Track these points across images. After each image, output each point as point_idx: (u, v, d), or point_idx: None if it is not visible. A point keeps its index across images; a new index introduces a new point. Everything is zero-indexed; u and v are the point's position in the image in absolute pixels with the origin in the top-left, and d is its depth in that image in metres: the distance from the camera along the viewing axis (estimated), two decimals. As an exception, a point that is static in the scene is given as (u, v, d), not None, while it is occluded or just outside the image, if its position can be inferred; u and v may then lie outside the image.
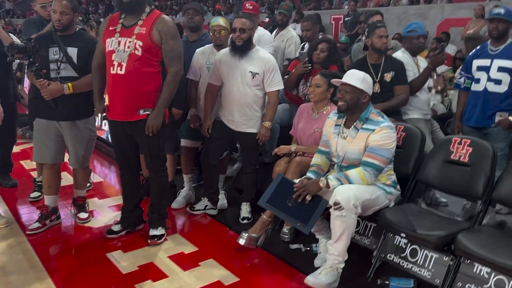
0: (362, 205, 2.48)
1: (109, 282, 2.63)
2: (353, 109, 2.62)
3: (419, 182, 2.87)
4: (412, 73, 3.47)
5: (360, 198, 2.46)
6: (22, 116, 5.93)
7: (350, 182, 2.54)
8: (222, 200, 3.68)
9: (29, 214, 3.51)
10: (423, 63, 3.58)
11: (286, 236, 3.14)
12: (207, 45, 3.59)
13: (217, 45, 3.50)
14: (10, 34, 4.51)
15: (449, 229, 2.41)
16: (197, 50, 3.59)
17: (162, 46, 2.85)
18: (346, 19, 9.96)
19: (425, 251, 2.49)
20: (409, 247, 2.56)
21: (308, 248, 3.01)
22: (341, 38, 8.95)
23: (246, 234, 2.99)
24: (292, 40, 4.53)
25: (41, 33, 3.17)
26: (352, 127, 2.65)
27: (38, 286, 2.55)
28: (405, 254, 2.58)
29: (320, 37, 4.01)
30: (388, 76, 3.37)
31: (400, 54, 3.53)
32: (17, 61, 4.27)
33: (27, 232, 3.16)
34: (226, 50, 3.35)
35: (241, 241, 2.98)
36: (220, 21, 3.51)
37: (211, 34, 3.54)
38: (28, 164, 4.67)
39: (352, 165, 2.64)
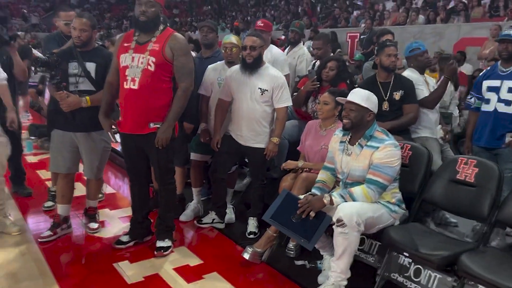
0: (365, 222, 2.49)
1: (114, 291, 2.69)
2: (357, 127, 2.65)
3: (425, 201, 2.86)
4: (424, 90, 3.48)
5: (363, 216, 2.47)
6: (41, 127, 6.14)
7: (353, 199, 2.56)
8: (230, 214, 3.72)
9: (41, 222, 3.61)
10: (431, 81, 3.60)
11: (292, 252, 3.15)
12: (219, 62, 3.69)
13: (229, 62, 3.59)
14: (34, 49, 4.70)
15: (452, 249, 2.39)
16: (209, 66, 3.69)
17: (173, 63, 2.95)
18: (361, 37, 10.04)
19: (429, 271, 2.47)
20: (413, 266, 2.54)
21: (313, 265, 3.01)
22: (355, 56, 9.01)
23: (251, 249, 3.02)
24: (303, 57, 4.60)
25: (63, 49, 3.31)
26: (356, 144, 2.67)
27: (46, 293, 2.63)
28: (408, 273, 2.56)
29: (337, 54, 4.07)
30: (397, 95, 3.39)
31: (409, 73, 3.55)
32: (40, 74, 4.43)
33: (39, 240, 3.25)
34: (236, 67, 3.44)
35: (246, 256, 3.01)
36: (232, 39, 3.60)
37: (223, 51, 3.64)
38: (44, 174, 4.80)
39: (357, 182, 2.66)
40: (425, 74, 3.64)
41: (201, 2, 23.63)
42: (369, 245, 2.89)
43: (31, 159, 5.58)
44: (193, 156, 3.75)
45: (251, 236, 3.41)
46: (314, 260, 3.01)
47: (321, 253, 2.89)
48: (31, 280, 2.76)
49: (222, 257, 3.15)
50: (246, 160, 4.04)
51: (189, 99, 3.05)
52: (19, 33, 9.77)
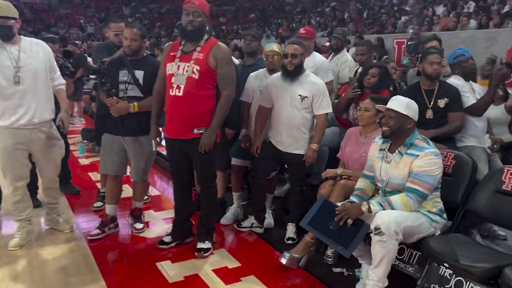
0: (404, 231, 2.45)
1: (156, 288, 2.81)
2: (397, 134, 2.62)
3: (468, 212, 2.78)
4: (470, 98, 3.38)
5: (402, 224, 2.44)
6: (93, 131, 6.46)
7: (392, 208, 2.53)
8: (269, 219, 3.76)
9: (91, 221, 3.81)
10: (478, 88, 3.48)
11: (330, 259, 3.15)
12: (260, 69, 3.77)
13: (270, 69, 3.66)
14: (89, 57, 4.98)
15: (495, 261, 2.31)
16: (251, 74, 3.77)
17: (217, 71, 3.06)
18: (409, 43, 9.80)
19: (471, 284, 2.38)
20: (454, 278, 2.46)
21: (351, 273, 2.99)
22: (402, 61, 8.81)
23: (289, 254, 3.05)
24: (346, 64, 4.58)
25: (114, 57, 3.50)
26: (396, 152, 2.64)
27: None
28: (449, 285, 2.48)
29: (383, 60, 4.02)
30: (442, 102, 3.31)
31: (454, 80, 3.46)
32: (92, 81, 4.69)
33: (88, 238, 3.45)
34: (278, 74, 3.49)
35: (283, 260, 3.04)
36: (274, 47, 3.67)
37: (265, 59, 3.71)
38: (95, 176, 5.06)
39: (396, 190, 2.63)
40: (470, 81, 3.53)
41: (247, 10, 23.97)
42: (409, 255, 2.84)
43: (83, 161, 5.90)
44: (234, 161, 3.84)
45: (289, 241, 3.44)
46: (353, 268, 2.99)
47: (360, 261, 2.87)
48: (80, 275, 2.94)
49: (260, 261, 3.20)
50: (286, 166, 4.08)
51: (231, 106, 3.15)
52: (76, 42, 10.34)
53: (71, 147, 5.30)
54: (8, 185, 3.29)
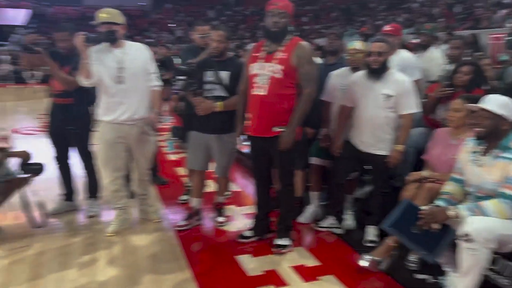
0: (497, 239, 2.29)
1: (235, 280, 2.91)
2: (491, 136, 2.45)
3: None
4: None
5: (494, 232, 2.28)
6: (181, 129, 6.81)
7: (484, 214, 2.37)
8: (349, 221, 3.71)
9: (177, 213, 4.04)
10: None
11: (413, 265, 3.03)
12: (343, 68, 3.72)
13: (353, 68, 3.60)
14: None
15: None
16: (333, 72, 3.74)
17: (299, 69, 3.09)
18: (508, 38, 9.01)
19: None
20: (555, 294, 2.26)
21: (436, 280, 2.85)
22: (500, 58, 8.12)
23: (369, 257, 2.99)
24: (435, 61, 4.34)
25: (201, 59, 3.69)
26: (489, 155, 2.47)
27: (179, 275, 2.96)
28: (549, 302, 2.28)
29: (476, 57, 3.78)
30: None
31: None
32: (180, 82, 4.96)
33: (175, 228, 3.68)
34: (361, 72, 3.43)
35: (363, 263, 2.99)
36: (356, 44, 3.61)
37: (347, 57, 3.67)
38: (182, 171, 5.35)
39: (489, 196, 2.46)
40: None
41: (329, 9, 23.67)
42: (503, 266, 2.63)
43: (171, 157, 6.27)
44: (313, 160, 3.83)
45: (370, 244, 3.36)
46: (437, 275, 2.85)
47: (445, 268, 2.73)
48: (168, 262, 3.15)
49: (338, 261, 3.17)
50: (367, 167, 3.99)
51: (311, 104, 3.16)
52: (167, 45, 10.98)
53: (161, 144, 5.66)
54: (108, 176, 3.61)
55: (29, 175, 3.62)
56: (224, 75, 3.47)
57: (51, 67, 3.61)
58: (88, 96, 3.81)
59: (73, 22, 15.54)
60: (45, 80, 4.49)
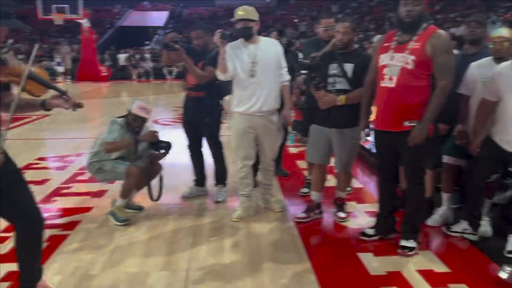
0: None
1: (357, 278, 2.84)
2: None
3: None
4: None
5: None
6: (301, 123, 6.88)
7: None
8: (486, 227, 3.34)
9: (298, 205, 4.08)
10: None
11: None
12: (484, 59, 3.35)
13: (497, 58, 3.22)
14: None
15: None
16: (473, 63, 3.39)
17: (434, 60, 2.88)
18: None
19: None
20: None
21: None
22: None
23: (510, 268, 2.67)
24: None
25: (325, 51, 3.66)
26: None
27: (298, 266, 2.99)
28: None
29: None
30: None
31: None
32: (302, 76, 4.98)
33: (295, 220, 3.73)
34: (507, 63, 3.06)
35: (503, 275, 2.69)
36: (503, 32, 3.23)
37: (491, 46, 3.29)
38: (302, 164, 5.40)
39: None
40: None
41: (467, -5, 21.55)
42: None
43: (292, 150, 6.38)
44: (446, 159, 3.54)
45: (510, 255, 2.99)
46: None
47: None
48: (288, 252, 3.20)
49: (472, 270, 2.89)
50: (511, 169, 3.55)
51: (446, 98, 2.92)
52: (292, 40, 11.15)
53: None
54: (238, 162, 3.82)
55: (162, 151, 3.83)
56: (348, 67, 3.41)
57: (187, 62, 3.92)
58: (219, 90, 4.08)
59: (206, 21, 16.73)
60: (180, 76, 4.91)
